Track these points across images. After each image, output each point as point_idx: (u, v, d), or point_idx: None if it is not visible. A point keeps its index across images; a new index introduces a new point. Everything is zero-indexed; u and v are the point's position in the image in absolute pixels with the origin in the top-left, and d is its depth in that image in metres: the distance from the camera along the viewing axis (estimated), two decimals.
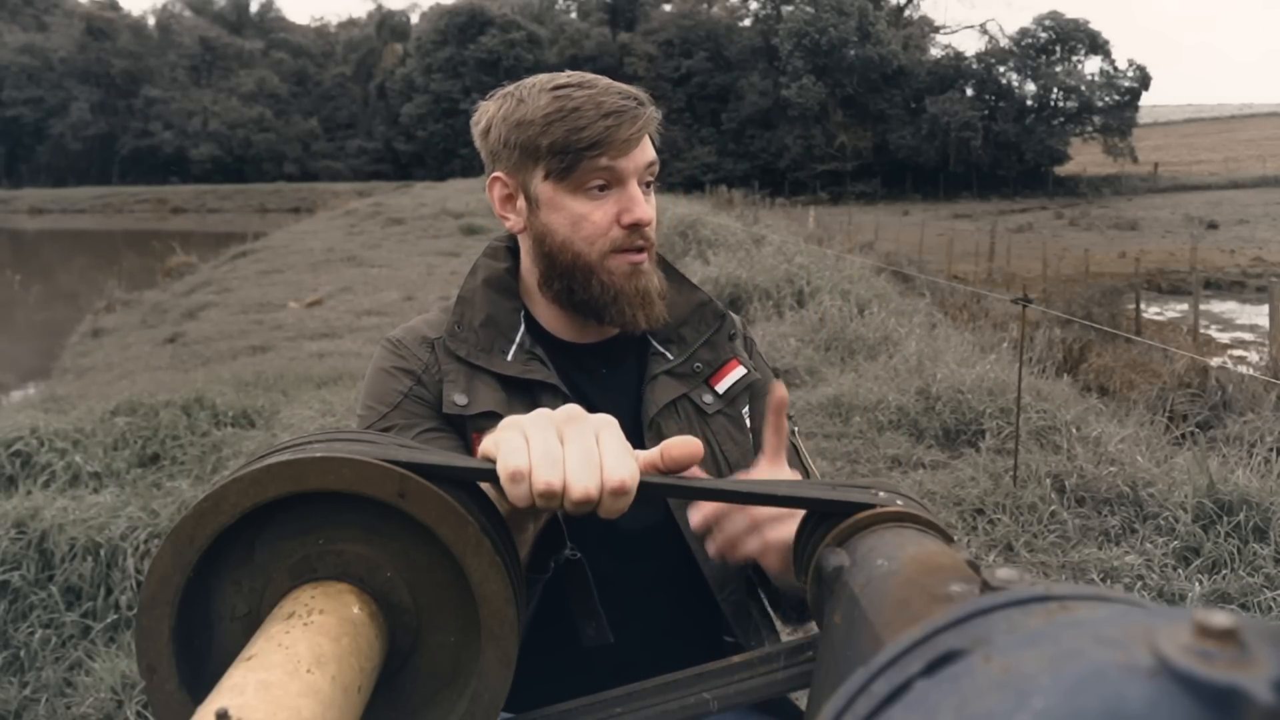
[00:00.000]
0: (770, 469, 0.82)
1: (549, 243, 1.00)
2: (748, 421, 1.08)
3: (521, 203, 1.01)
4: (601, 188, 0.97)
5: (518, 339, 1.02)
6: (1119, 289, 13.75)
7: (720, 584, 1.02)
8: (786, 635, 1.05)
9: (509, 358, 1.00)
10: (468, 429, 0.97)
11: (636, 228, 0.97)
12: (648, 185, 1.00)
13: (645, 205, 0.98)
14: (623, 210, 0.97)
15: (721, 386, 1.07)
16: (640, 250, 0.99)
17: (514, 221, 1.03)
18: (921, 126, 49.56)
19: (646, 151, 0.98)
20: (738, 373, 1.08)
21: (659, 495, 0.60)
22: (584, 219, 0.97)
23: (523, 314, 1.04)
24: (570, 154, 0.95)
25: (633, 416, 1.02)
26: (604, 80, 0.99)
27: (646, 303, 1.00)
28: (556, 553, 0.73)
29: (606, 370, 1.06)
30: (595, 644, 0.79)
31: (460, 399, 0.97)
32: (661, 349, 1.07)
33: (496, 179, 1.02)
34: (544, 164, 0.97)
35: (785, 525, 0.74)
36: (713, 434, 1.04)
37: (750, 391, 1.10)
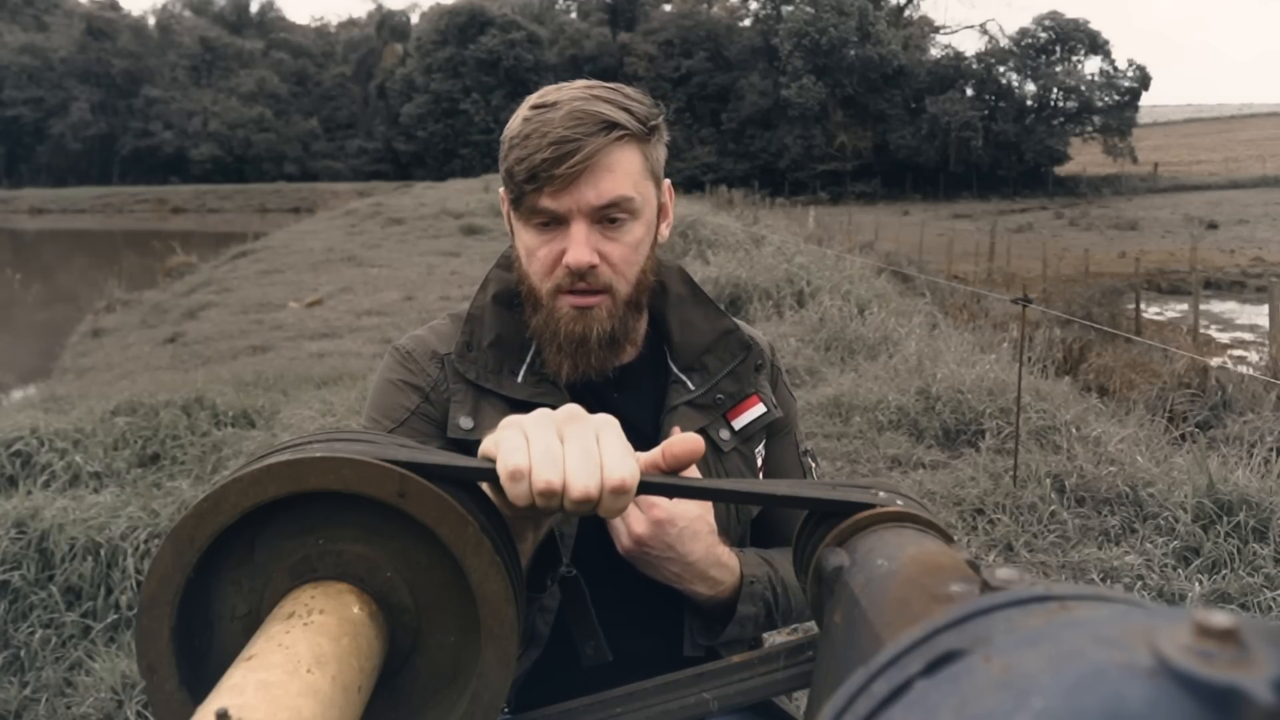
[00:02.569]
0: None
1: (518, 267, 0.98)
2: (759, 460, 1.05)
3: None
4: (545, 224, 0.92)
5: (528, 359, 0.99)
6: (1119, 289, 13.77)
7: None
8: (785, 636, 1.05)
9: (519, 379, 0.97)
10: (472, 453, 0.95)
11: (574, 270, 0.91)
12: (612, 221, 0.92)
13: (584, 249, 0.90)
14: (563, 250, 0.92)
15: (739, 423, 1.03)
16: (587, 294, 0.93)
17: (513, 243, 1.01)
18: (921, 126, 49.56)
19: (600, 189, 0.90)
20: (756, 410, 1.04)
21: (659, 495, 0.60)
22: (532, 253, 0.94)
23: None
24: (515, 184, 0.91)
25: (647, 446, 0.99)
26: (577, 101, 0.90)
27: (580, 352, 0.94)
28: (553, 570, 0.72)
29: (619, 395, 1.02)
30: (594, 663, 0.78)
31: (466, 423, 0.95)
32: (683, 377, 1.02)
33: (504, 194, 1.01)
34: (506, 190, 0.95)
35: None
36: (725, 473, 1.01)
37: (768, 430, 1.06)
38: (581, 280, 0.92)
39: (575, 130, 0.88)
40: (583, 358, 0.94)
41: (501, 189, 1.01)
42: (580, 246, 0.90)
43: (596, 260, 0.91)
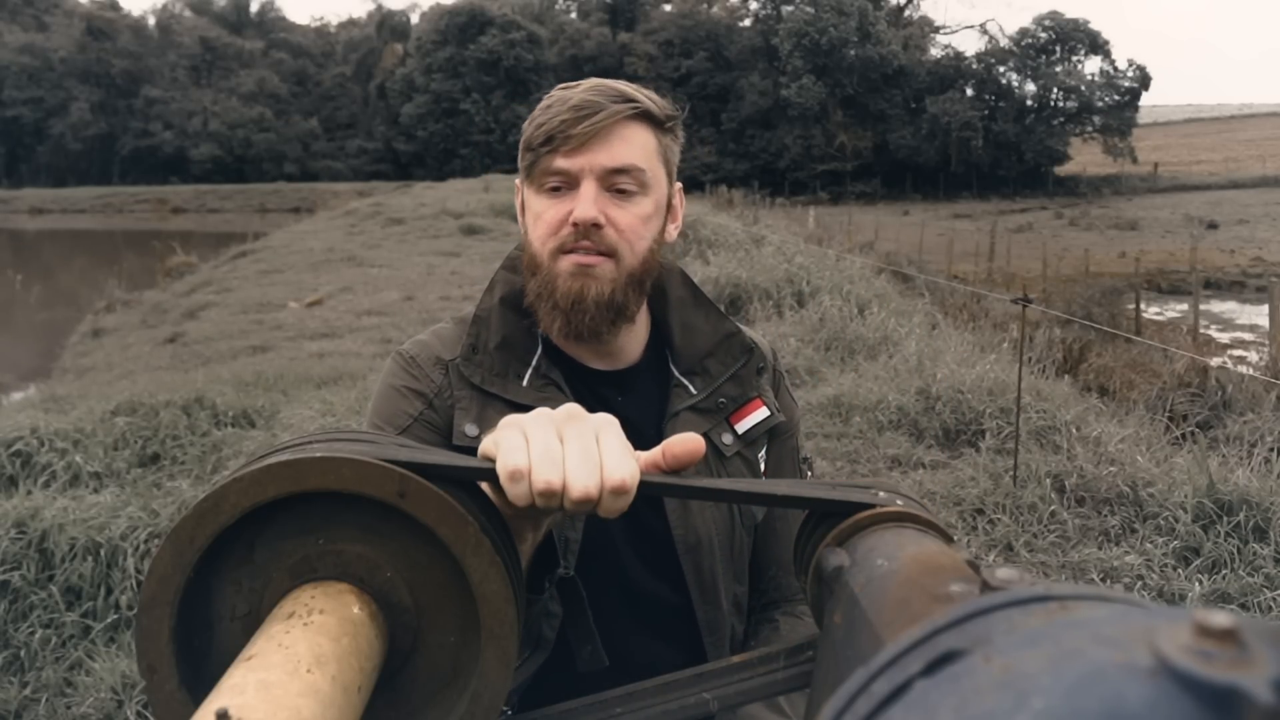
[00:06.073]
0: None
1: (523, 242, 0.99)
2: (762, 465, 1.04)
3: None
4: (555, 188, 0.94)
5: (534, 362, 0.98)
6: (1119, 289, 13.78)
7: (711, 629, 1.00)
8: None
9: (524, 382, 0.97)
10: None
11: (580, 227, 0.92)
12: (622, 192, 0.94)
13: (591, 205, 0.91)
14: (570, 210, 0.93)
15: (742, 426, 1.02)
16: (591, 253, 0.93)
17: (521, 226, 1.02)
18: (921, 126, 49.56)
19: (613, 153, 0.92)
20: (760, 414, 1.03)
21: (659, 495, 0.60)
22: (539, 217, 0.95)
23: (540, 334, 1.01)
24: (531, 150, 0.94)
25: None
26: (603, 81, 0.96)
27: (576, 310, 0.93)
28: (551, 572, 0.72)
29: (623, 399, 1.01)
30: (590, 668, 0.78)
31: (471, 429, 0.94)
32: (685, 381, 1.02)
33: (518, 185, 1.02)
34: (522, 162, 0.97)
35: None
36: (728, 477, 1.00)
37: (770, 434, 1.05)
38: (586, 239, 0.92)
39: (595, 97, 0.92)
40: (577, 317, 0.93)
41: (517, 181, 1.02)
42: (587, 203, 0.91)
43: (603, 220, 0.92)
